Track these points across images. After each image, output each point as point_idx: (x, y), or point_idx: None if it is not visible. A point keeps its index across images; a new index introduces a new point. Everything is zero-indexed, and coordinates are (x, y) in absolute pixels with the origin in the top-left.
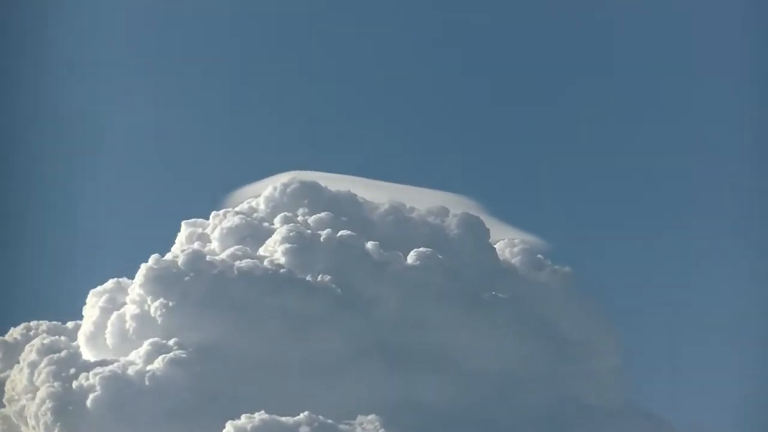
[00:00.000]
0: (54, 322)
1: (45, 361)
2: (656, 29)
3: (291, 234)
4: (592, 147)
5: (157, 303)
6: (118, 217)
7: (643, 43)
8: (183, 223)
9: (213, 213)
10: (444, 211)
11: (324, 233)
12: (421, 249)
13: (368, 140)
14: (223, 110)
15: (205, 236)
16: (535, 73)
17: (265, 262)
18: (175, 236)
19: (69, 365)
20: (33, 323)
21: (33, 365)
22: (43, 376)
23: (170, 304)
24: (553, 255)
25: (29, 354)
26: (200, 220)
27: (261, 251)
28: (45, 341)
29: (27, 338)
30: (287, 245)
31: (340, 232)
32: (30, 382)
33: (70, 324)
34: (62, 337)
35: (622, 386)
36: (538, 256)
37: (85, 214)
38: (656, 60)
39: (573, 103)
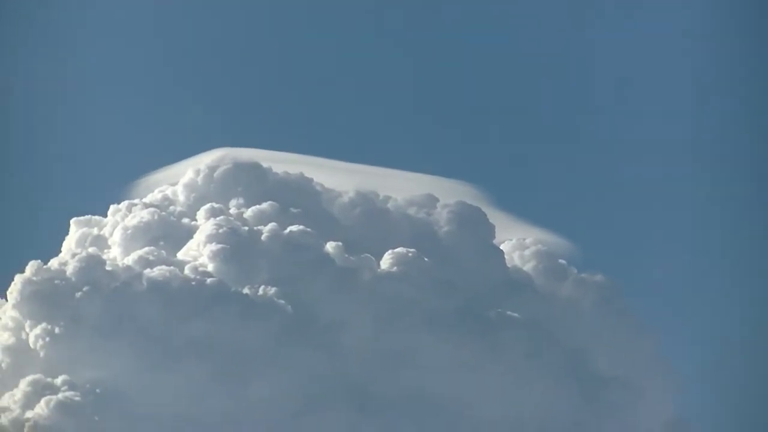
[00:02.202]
0: None
1: None
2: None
3: (221, 231)
4: (626, 122)
5: (38, 329)
6: None
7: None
8: (72, 222)
9: (112, 207)
10: (431, 201)
11: (267, 230)
12: (401, 250)
13: (327, 109)
14: (122, 76)
15: (102, 239)
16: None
17: (186, 270)
18: (61, 240)
19: None
20: None
21: None
22: None
23: (56, 330)
24: (580, 259)
25: None
26: (95, 217)
27: (180, 256)
28: None
29: None
30: (216, 246)
31: (290, 229)
32: None
33: None
34: None
35: None
36: (560, 260)
37: None
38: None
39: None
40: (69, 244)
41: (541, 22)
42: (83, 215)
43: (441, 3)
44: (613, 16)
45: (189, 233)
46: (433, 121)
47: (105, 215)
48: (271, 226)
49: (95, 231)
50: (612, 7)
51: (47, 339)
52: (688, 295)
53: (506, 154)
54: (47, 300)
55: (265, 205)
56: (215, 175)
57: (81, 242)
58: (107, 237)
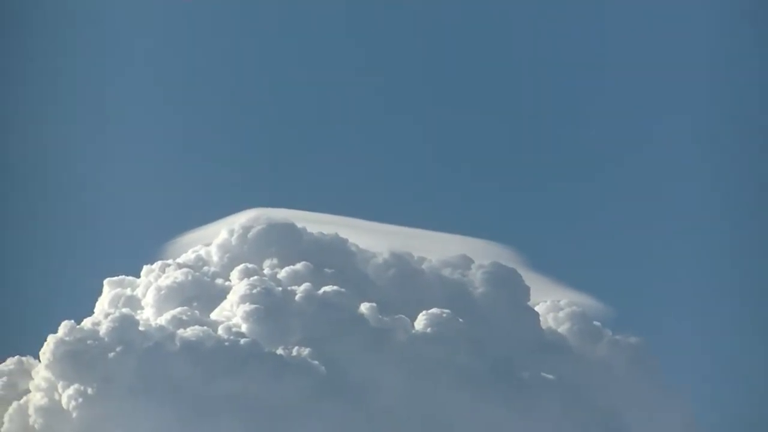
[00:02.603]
0: None
1: None
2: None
3: (254, 291)
4: (658, 182)
5: (70, 390)
6: (19, 276)
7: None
8: (105, 282)
9: (145, 267)
10: (466, 262)
11: (301, 290)
12: (435, 310)
13: (362, 170)
14: (157, 134)
15: (135, 299)
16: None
17: (219, 330)
18: (94, 300)
19: None
20: None
21: None
22: None
23: (89, 390)
24: (615, 321)
25: None
26: (129, 277)
27: (213, 316)
28: None
29: None
30: (249, 307)
31: (324, 289)
32: None
33: None
34: None
35: None
36: (595, 322)
37: None
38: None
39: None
40: (102, 304)
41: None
42: (116, 275)
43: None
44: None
45: (223, 293)
46: (467, 183)
47: (138, 276)
48: (305, 286)
49: (128, 291)
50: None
51: (80, 400)
52: (722, 354)
53: (541, 215)
54: (80, 360)
55: (299, 266)
56: (249, 235)
57: (114, 302)
58: (140, 297)
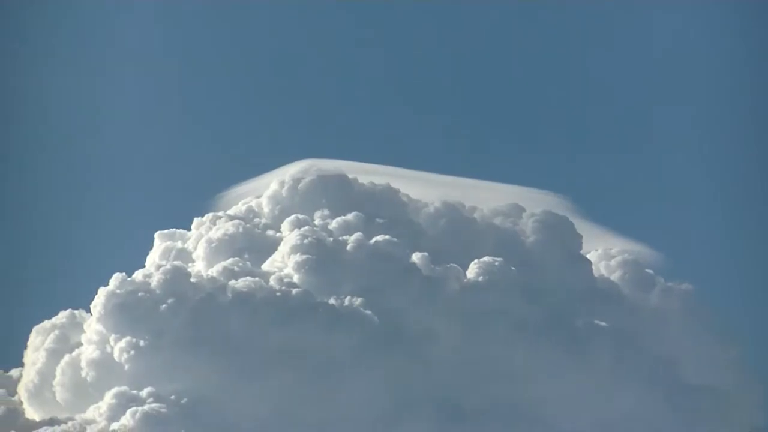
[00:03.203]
0: None
1: None
2: None
3: (306, 242)
4: (707, 133)
5: (122, 342)
6: (71, 230)
7: None
8: (156, 235)
9: (196, 220)
10: (518, 211)
11: (352, 240)
12: (487, 259)
13: (414, 121)
14: (206, 89)
15: (186, 252)
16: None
17: (271, 281)
18: (145, 254)
19: (7, 426)
20: None
21: None
22: None
23: (141, 343)
24: (667, 269)
25: None
26: (179, 230)
27: (265, 267)
28: None
29: None
30: (301, 257)
31: (375, 239)
32: None
33: (10, 372)
34: None
35: None
36: (647, 270)
37: (27, 227)
38: None
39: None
40: (153, 257)
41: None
42: (167, 229)
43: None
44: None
45: (274, 245)
46: (520, 132)
47: (189, 228)
48: (356, 236)
49: (179, 244)
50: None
51: (132, 352)
52: None
53: (594, 164)
54: (131, 313)
55: (350, 216)
56: (300, 186)
57: (165, 255)
58: (191, 250)
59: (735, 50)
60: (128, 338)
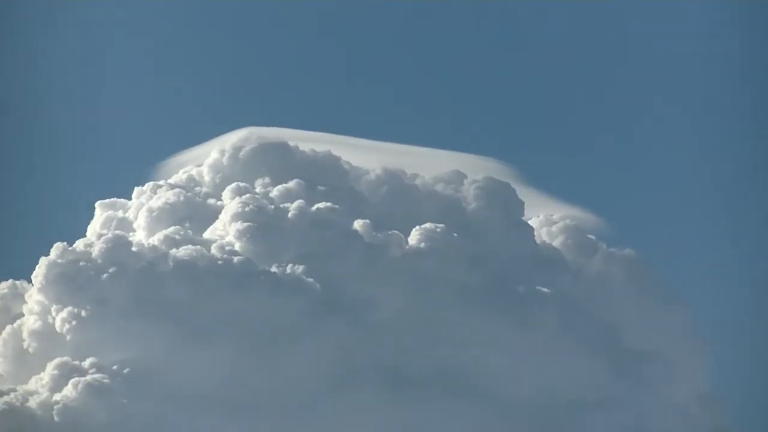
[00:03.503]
0: None
1: None
2: None
3: (247, 209)
4: (651, 92)
5: (64, 312)
6: (9, 200)
7: None
8: (97, 205)
9: (137, 189)
10: (459, 177)
11: (294, 207)
12: (428, 225)
13: (353, 87)
14: (146, 56)
15: (128, 221)
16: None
17: (212, 249)
18: (86, 224)
19: None
20: None
21: None
22: None
23: (82, 313)
24: (609, 235)
25: None
26: (120, 200)
27: (206, 236)
28: None
29: None
30: (242, 224)
31: (317, 206)
32: None
33: None
34: None
35: (711, 418)
36: (589, 236)
37: None
38: None
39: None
40: (94, 227)
41: None
42: (108, 198)
43: None
44: None
45: (215, 214)
46: (459, 98)
47: (130, 198)
48: (297, 203)
49: (120, 214)
50: None
51: (74, 322)
52: (718, 266)
53: (533, 130)
54: (73, 282)
55: (291, 184)
56: (241, 155)
57: (106, 225)
58: (132, 220)
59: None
60: (70, 308)
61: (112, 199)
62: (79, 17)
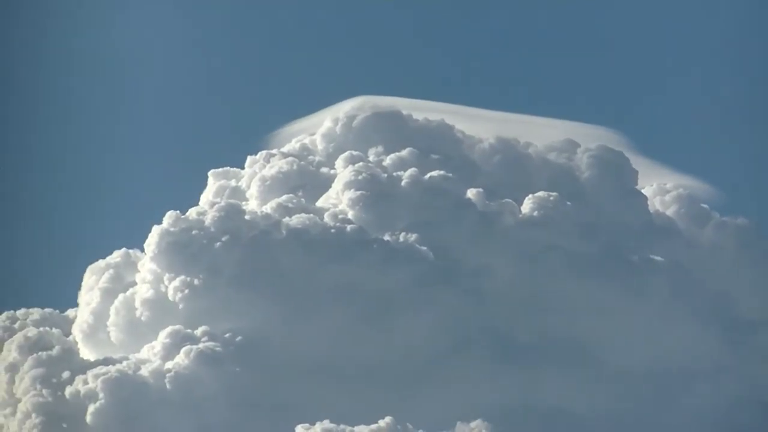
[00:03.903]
0: (44, 309)
1: (30, 361)
2: None
3: (360, 178)
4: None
5: (176, 282)
6: (122, 170)
7: None
8: (210, 174)
9: (249, 158)
10: (572, 146)
11: (407, 176)
12: (542, 194)
13: (467, 56)
14: (256, 24)
15: (240, 190)
16: None
17: (326, 218)
18: (198, 193)
19: (62, 366)
20: (15, 312)
21: (13, 367)
22: (27, 381)
23: (195, 282)
24: (723, 204)
25: (9, 353)
26: (233, 169)
27: (319, 204)
28: (29, 335)
29: (8, 331)
30: (355, 193)
31: (430, 175)
32: (9, 391)
33: (66, 312)
34: (53, 329)
35: None
36: (702, 205)
37: (79, 169)
38: None
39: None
40: (207, 196)
41: None
42: (221, 167)
43: None
44: None
45: (328, 183)
46: (573, 67)
47: (243, 167)
48: (410, 171)
49: (233, 183)
50: None
51: (186, 291)
52: None
53: (646, 98)
54: (185, 251)
55: (404, 152)
56: (354, 124)
57: (219, 194)
58: (245, 189)
59: None
60: (182, 277)
61: (225, 168)
62: None
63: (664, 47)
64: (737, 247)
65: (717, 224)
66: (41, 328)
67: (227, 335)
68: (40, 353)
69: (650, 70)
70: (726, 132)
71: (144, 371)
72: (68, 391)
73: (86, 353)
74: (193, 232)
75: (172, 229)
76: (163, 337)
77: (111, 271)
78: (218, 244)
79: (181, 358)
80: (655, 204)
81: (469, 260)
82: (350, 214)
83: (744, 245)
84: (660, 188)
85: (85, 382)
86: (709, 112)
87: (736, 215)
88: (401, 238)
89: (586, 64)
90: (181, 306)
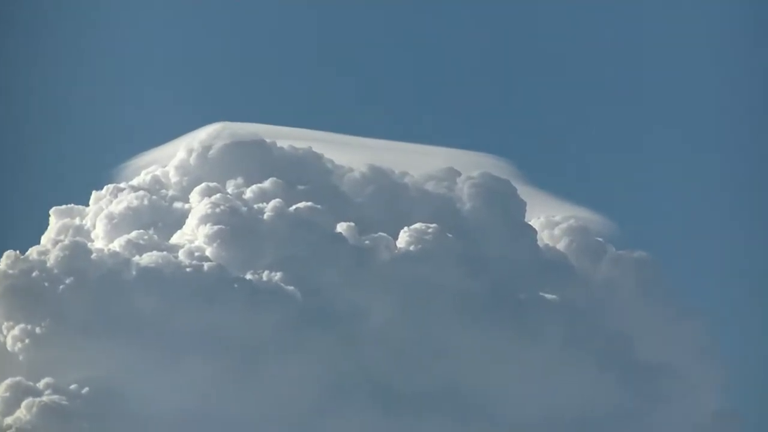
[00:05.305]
0: None
1: None
2: None
3: (217, 211)
4: (661, 87)
5: (16, 330)
6: None
7: None
8: (52, 212)
9: (95, 194)
10: (453, 175)
11: (270, 207)
12: (419, 226)
13: (335, 80)
14: (103, 43)
15: (85, 231)
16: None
17: (180, 255)
18: (39, 234)
19: None
20: None
21: None
22: None
23: (37, 330)
24: (618, 237)
25: None
26: (77, 206)
27: (173, 240)
28: None
29: None
30: (213, 228)
31: (296, 206)
32: None
33: None
34: None
35: None
36: (596, 238)
37: None
38: None
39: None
40: (48, 236)
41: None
42: (63, 204)
43: None
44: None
45: (183, 219)
46: (450, 90)
47: (87, 204)
48: (274, 202)
49: (77, 221)
50: None
51: (27, 340)
52: (736, 274)
53: (532, 122)
54: (26, 295)
55: (267, 183)
56: (210, 153)
57: (62, 233)
58: (90, 228)
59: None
60: (22, 325)
61: (68, 205)
62: (34, 12)
63: (547, 65)
64: (635, 284)
65: (613, 258)
66: None
67: (74, 387)
68: None
69: (534, 90)
70: (619, 158)
71: None
72: None
73: None
74: (34, 273)
75: (10, 271)
76: (2, 390)
77: None
78: (62, 286)
79: (23, 413)
80: (545, 237)
81: (341, 301)
82: (208, 252)
83: (642, 282)
84: (549, 220)
85: None
86: (598, 137)
87: (634, 248)
88: (265, 277)
89: (465, 85)
90: (21, 357)
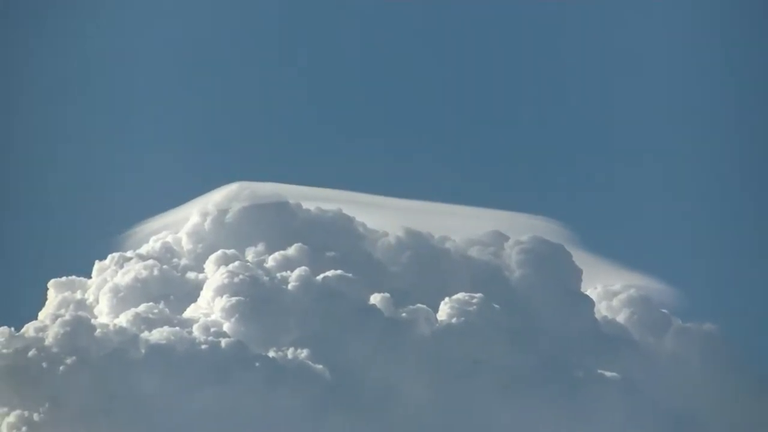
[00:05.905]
0: None
1: None
2: None
3: (236, 281)
4: (723, 149)
5: (11, 417)
6: None
7: None
8: (50, 285)
9: (97, 264)
10: (499, 239)
11: (295, 276)
12: (461, 296)
13: (369, 137)
14: (103, 97)
15: (87, 305)
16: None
17: (194, 331)
18: (36, 308)
19: None
20: None
21: None
22: None
23: (35, 416)
24: (685, 308)
25: None
26: (78, 278)
27: (186, 315)
28: None
29: None
30: (230, 300)
31: (324, 275)
32: None
33: None
34: None
35: None
36: (661, 309)
37: None
38: None
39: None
40: (47, 311)
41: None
42: (63, 276)
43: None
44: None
45: (197, 290)
46: (493, 144)
47: (90, 275)
48: (299, 271)
49: (78, 295)
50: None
51: (24, 428)
52: None
53: (590, 183)
54: (22, 377)
55: (291, 250)
56: (227, 217)
57: (61, 308)
58: (93, 302)
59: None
60: (18, 411)
61: (68, 276)
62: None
63: (615, 122)
64: (703, 359)
65: (678, 332)
66: None
67: None
68: None
69: (595, 150)
70: (686, 222)
71: None
72: None
73: None
74: (31, 353)
75: (4, 350)
76: None
77: None
78: (62, 367)
79: None
80: (603, 309)
81: (374, 381)
82: (225, 327)
83: (711, 356)
84: (608, 290)
85: None
86: (663, 199)
87: (701, 321)
88: (290, 355)
89: (510, 139)
90: None
